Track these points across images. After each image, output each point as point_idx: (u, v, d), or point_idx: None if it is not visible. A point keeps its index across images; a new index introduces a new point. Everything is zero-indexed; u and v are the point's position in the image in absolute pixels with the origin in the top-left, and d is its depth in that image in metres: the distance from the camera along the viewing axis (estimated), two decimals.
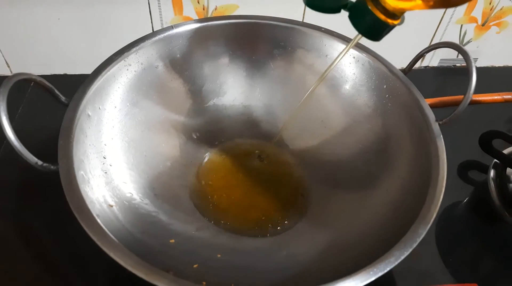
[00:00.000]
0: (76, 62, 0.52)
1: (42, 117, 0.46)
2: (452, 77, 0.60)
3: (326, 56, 0.41)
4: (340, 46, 0.40)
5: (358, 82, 0.40)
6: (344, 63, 0.41)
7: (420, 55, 0.37)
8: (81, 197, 0.27)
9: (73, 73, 0.53)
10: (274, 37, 0.42)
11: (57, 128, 0.30)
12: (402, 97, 0.37)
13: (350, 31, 0.42)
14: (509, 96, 0.52)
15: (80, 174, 0.29)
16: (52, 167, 0.28)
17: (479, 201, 0.44)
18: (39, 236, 0.36)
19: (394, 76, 0.37)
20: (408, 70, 0.38)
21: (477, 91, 0.46)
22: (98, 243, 0.25)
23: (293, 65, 0.42)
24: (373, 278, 0.24)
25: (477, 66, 0.61)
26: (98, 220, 0.26)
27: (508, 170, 0.44)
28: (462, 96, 0.50)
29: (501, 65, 0.62)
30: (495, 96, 0.52)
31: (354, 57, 0.40)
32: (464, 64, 0.62)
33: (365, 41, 0.40)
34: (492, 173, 0.43)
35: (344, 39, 0.40)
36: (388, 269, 0.25)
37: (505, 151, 0.45)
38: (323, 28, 0.41)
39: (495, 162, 0.44)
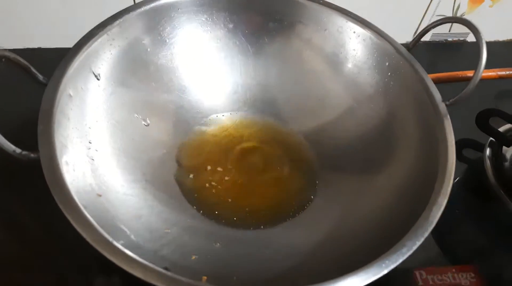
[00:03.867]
0: (52, 34, 0.47)
1: (17, 99, 0.42)
2: (444, 52, 0.59)
3: (325, 30, 0.39)
4: (339, 19, 0.38)
5: (359, 59, 0.38)
6: (344, 39, 0.38)
7: (426, 31, 0.35)
8: (66, 187, 0.24)
9: (49, 47, 0.48)
10: (269, 9, 0.39)
11: (36, 111, 0.27)
12: (406, 75, 0.35)
13: (349, 3, 0.40)
14: (503, 73, 0.52)
15: (63, 161, 0.26)
16: (32, 155, 0.25)
17: (474, 179, 0.44)
18: (23, 228, 0.34)
19: (398, 53, 0.36)
20: (412, 47, 0.36)
21: (470, 67, 0.45)
22: (88, 239, 0.23)
23: (290, 40, 0.40)
24: (385, 271, 0.23)
25: (469, 41, 0.60)
26: (86, 213, 0.23)
27: (504, 148, 0.43)
28: (457, 72, 0.49)
29: (492, 39, 0.61)
30: (489, 72, 0.51)
31: (354, 32, 0.38)
32: (457, 39, 0.61)
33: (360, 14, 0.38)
34: (488, 151, 0.43)
35: (344, 12, 0.38)
36: (400, 260, 0.24)
37: (501, 129, 0.45)
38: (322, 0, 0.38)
39: (491, 140, 0.43)
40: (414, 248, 0.24)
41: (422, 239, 0.25)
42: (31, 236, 0.34)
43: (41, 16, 0.46)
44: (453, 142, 0.30)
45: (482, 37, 0.31)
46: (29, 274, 0.31)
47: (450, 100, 0.32)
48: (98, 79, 0.32)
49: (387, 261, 0.24)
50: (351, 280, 0.23)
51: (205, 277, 0.25)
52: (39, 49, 0.48)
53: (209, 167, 0.37)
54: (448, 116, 0.31)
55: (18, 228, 0.34)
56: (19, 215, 0.35)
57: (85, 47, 0.31)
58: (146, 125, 0.36)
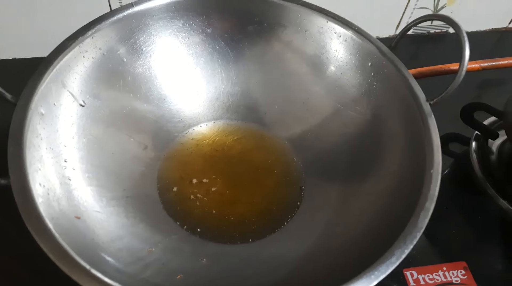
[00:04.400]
0: (27, 44, 0.45)
1: None
2: (426, 45, 0.59)
3: (306, 31, 0.38)
4: (320, 20, 0.37)
5: (341, 59, 0.37)
6: (325, 40, 0.37)
7: (408, 29, 0.35)
8: (40, 215, 0.23)
9: (25, 57, 0.46)
10: (247, 12, 0.38)
11: (5, 132, 0.26)
12: (389, 75, 0.34)
13: (329, 3, 0.39)
14: (486, 64, 0.51)
15: (36, 185, 0.25)
16: (2, 181, 0.24)
17: (460, 173, 0.44)
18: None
19: (380, 52, 0.35)
20: (395, 45, 0.36)
21: (454, 58, 0.44)
22: (64, 269, 0.22)
23: (270, 43, 0.39)
24: (375, 282, 0.23)
25: (451, 32, 0.60)
26: (61, 241, 0.22)
27: (490, 141, 0.43)
28: (441, 66, 0.49)
29: (474, 30, 0.61)
30: (472, 64, 0.51)
31: (335, 32, 0.37)
32: (439, 31, 0.61)
33: (337, 11, 0.37)
34: (473, 145, 0.42)
35: (324, 13, 0.37)
36: (390, 270, 0.23)
37: (486, 122, 0.45)
38: (301, 0, 0.37)
39: (477, 134, 0.43)
40: (403, 256, 0.24)
41: (411, 247, 0.24)
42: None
43: (9, 26, 0.44)
44: (439, 142, 0.29)
45: (464, 34, 0.30)
46: None
47: (434, 100, 0.32)
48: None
49: (376, 272, 0.23)
50: None
51: None
52: (14, 59, 0.46)
53: (194, 180, 0.36)
54: (433, 116, 0.31)
55: None
56: None
57: (56, 61, 0.30)
58: (126, 138, 0.35)
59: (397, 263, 0.24)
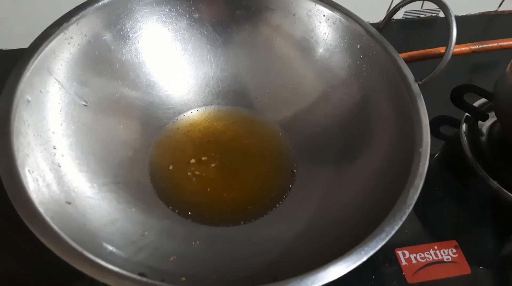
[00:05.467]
0: (12, 35, 0.45)
1: None
2: (417, 29, 0.59)
3: (294, 15, 0.38)
4: (308, 3, 0.37)
5: (330, 42, 0.37)
6: (314, 23, 0.37)
7: (395, 10, 0.35)
8: (30, 199, 0.23)
9: (10, 49, 0.46)
10: None
11: None
12: (378, 57, 0.34)
13: None
14: (476, 47, 0.51)
15: (25, 172, 0.25)
16: None
17: (452, 155, 0.44)
18: None
19: (368, 34, 0.35)
20: (383, 27, 0.36)
21: (444, 43, 0.45)
22: (56, 252, 0.22)
23: (259, 27, 0.39)
24: (364, 258, 0.23)
25: (441, 16, 0.60)
26: (53, 225, 0.22)
27: (480, 123, 0.43)
28: (431, 49, 0.49)
29: (464, 14, 0.61)
30: (462, 47, 0.51)
31: (324, 15, 0.37)
32: (429, 15, 0.61)
33: None
34: (464, 127, 0.43)
35: None
36: (379, 246, 0.24)
37: (476, 104, 0.45)
38: None
39: (467, 115, 0.44)
40: (393, 232, 0.24)
41: (400, 223, 0.25)
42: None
43: None
44: (427, 122, 0.30)
45: (452, 13, 0.30)
46: None
47: (423, 80, 0.32)
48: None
49: (366, 248, 0.23)
50: (331, 270, 0.22)
51: (184, 278, 0.25)
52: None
53: (185, 166, 0.36)
54: (422, 96, 0.31)
55: None
56: None
57: (41, 48, 0.29)
58: (115, 125, 0.34)
59: (387, 239, 0.24)
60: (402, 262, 0.35)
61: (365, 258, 0.23)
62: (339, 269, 0.23)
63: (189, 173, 0.35)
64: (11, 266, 0.31)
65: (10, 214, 0.22)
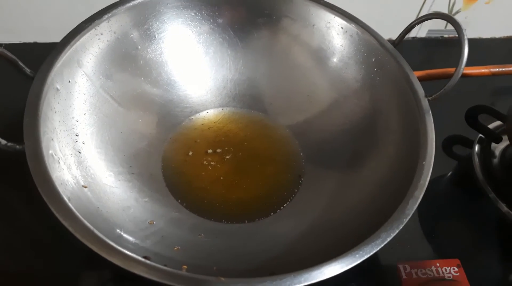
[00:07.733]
0: (48, 29, 0.48)
1: (4, 92, 0.42)
2: (440, 48, 0.59)
3: (313, 26, 0.39)
4: (327, 15, 0.38)
5: (345, 54, 0.38)
6: (331, 34, 0.39)
7: (411, 27, 0.36)
8: (50, 179, 0.25)
9: (45, 42, 0.49)
10: (258, 4, 0.39)
11: (22, 104, 0.28)
12: (391, 71, 0.35)
13: (344, 5, 0.40)
14: (496, 69, 0.51)
15: (49, 154, 0.27)
16: (17, 146, 0.26)
17: (463, 176, 0.44)
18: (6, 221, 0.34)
19: (383, 48, 0.36)
20: (398, 43, 0.36)
21: (466, 63, 0.45)
22: (69, 228, 0.23)
23: (278, 36, 0.40)
24: (358, 261, 0.24)
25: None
26: (70, 204, 0.24)
27: (493, 145, 0.43)
28: (449, 69, 0.49)
29: (489, 36, 0.61)
30: (482, 69, 0.51)
31: (342, 28, 0.38)
32: (453, 35, 0.61)
33: (353, 11, 0.38)
34: (477, 148, 0.43)
35: (332, 8, 0.38)
36: (374, 251, 0.24)
37: (491, 126, 0.45)
38: None
39: (480, 137, 0.43)
40: (389, 239, 0.25)
41: (397, 231, 0.25)
42: (22, 224, 0.34)
43: (33, 10, 0.46)
44: (433, 136, 0.30)
45: (465, 33, 0.31)
46: (19, 260, 0.32)
47: (433, 96, 0.32)
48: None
49: (361, 252, 0.24)
50: (325, 269, 0.23)
51: (185, 266, 0.26)
52: (35, 43, 0.49)
53: (198, 163, 0.37)
54: (430, 112, 0.32)
55: (9, 217, 0.35)
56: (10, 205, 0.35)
57: (73, 41, 0.31)
58: (134, 119, 0.36)
59: (382, 245, 0.25)
60: (402, 276, 0.35)
61: (359, 261, 0.24)
62: (333, 269, 0.23)
63: (200, 171, 0.37)
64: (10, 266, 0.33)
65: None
